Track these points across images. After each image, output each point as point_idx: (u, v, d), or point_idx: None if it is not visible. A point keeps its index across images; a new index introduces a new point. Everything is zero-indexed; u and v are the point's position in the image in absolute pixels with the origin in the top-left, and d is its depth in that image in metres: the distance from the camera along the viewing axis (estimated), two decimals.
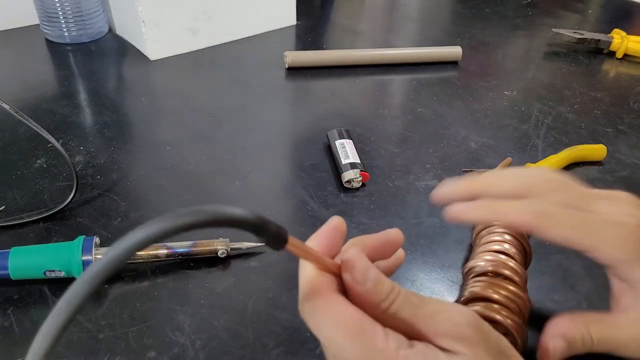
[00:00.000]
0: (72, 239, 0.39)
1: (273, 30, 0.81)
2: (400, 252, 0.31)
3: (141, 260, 0.41)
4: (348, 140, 0.53)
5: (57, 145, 0.44)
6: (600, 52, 0.79)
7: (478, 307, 0.34)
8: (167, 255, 0.41)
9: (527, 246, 0.39)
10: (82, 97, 0.64)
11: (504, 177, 0.35)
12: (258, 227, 0.20)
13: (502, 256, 0.37)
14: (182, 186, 0.50)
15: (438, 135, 0.59)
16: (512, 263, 0.37)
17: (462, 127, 0.60)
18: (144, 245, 0.17)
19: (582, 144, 0.56)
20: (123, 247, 0.17)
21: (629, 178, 0.53)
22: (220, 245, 0.41)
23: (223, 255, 0.41)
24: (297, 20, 0.84)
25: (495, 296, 0.34)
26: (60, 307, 0.17)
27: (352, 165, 0.50)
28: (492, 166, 0.54)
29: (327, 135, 0.55)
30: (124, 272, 0.41)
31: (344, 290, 0.25)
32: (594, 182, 0.52)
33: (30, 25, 0.79)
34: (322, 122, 0.60)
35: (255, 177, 0.51)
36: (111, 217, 0.46)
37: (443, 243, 0.45)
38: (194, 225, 0.18)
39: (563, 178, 0.33)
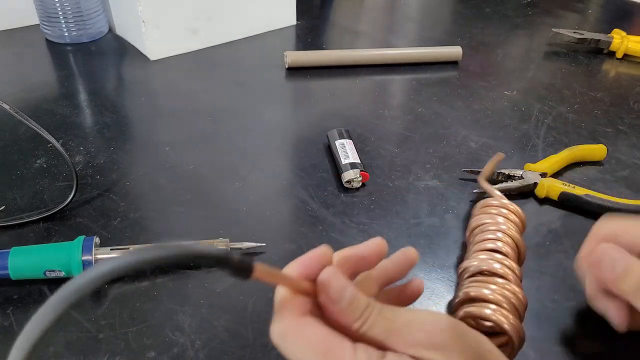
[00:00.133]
0: (72, 239, 0.39)
1: (273, 30, 0.81)
2: (413, 254, 0.31)
3: None
4: (348, 140, 0.53)
5: (57, 145, 0.44)
6: (600, 52, 0.79)
7: (473, 308, 0.34)
8: None
9: (520, 243, 0.39)
10: (82, 97, 0.64)
11: None
12: (220, 261, 0.21)
13: (497, 255, 0.37)
14: (181, 186, 0.50)
15: (438, 135, 0.59)
16: (506, 261, 0.37)
17: (462, 127, 0.60)
18: (108, 277, 0.19)
19: (582, 144, 0.56)
20: (88, 277, 0.18)
21: (629, 178, 0.53)
22: (220, 245, 0.41)
23: None
24: (297, 20, 0.84)
25: (491, 296, 0.34)
26: (22, 338, 0.18)
27: (352, 165, 0.50)
28: None
29: (327, 135, 0.55)
30: None
31: (320, 310, 0.26)
32: (594, 182, 0.52)
33: (30, 25, 0.79)
34: (322, 122, 0.60)
35: (255, 177, 0.51)
36: (111, 217, 0.46)
37: (443, 243, 0.45)
38: (155, 261, 0.19)
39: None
